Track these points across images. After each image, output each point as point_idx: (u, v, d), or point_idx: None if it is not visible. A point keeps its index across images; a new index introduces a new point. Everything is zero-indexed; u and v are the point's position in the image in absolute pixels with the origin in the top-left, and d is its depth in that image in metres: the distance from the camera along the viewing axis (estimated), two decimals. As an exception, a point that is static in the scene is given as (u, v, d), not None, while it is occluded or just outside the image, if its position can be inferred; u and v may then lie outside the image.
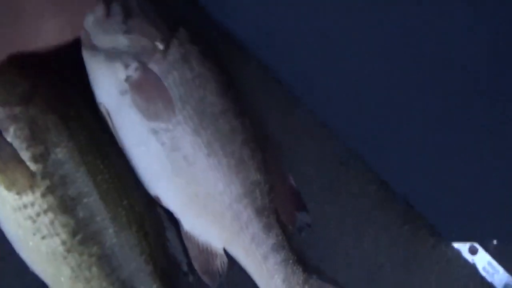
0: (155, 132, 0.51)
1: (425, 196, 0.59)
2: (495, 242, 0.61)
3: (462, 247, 0.63)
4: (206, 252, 0.54)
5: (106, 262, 0.51)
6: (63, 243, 0.49)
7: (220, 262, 0.55)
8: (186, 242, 0.54)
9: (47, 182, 0.49)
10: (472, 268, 0.63)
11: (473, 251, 0.63)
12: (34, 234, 0.49)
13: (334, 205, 0.62)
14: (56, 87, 0.52)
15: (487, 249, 0.63)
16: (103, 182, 0.51)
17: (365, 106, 0.53)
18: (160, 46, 0.51)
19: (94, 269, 0.51)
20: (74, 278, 0.51)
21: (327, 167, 0.62)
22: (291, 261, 0.55)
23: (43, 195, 0.49)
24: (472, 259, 0.63)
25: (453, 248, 0.63)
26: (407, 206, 0.62)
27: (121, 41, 0.51)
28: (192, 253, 0.54)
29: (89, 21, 0.51)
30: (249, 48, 0.61)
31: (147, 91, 0.50)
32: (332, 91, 0.56)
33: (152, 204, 0.54)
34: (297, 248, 0.57)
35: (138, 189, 0.54)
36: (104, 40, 0.51)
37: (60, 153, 0.49)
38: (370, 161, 0.61)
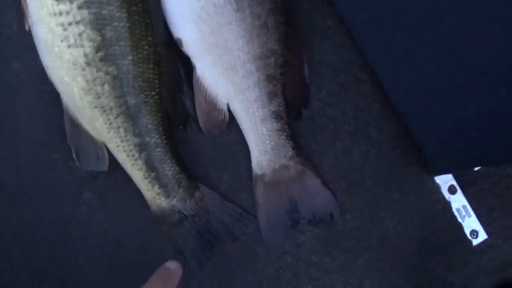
0: None
1: (418, 120, 0.61)
2: (476, 169, 0.63)
3: (443, 184, 0.66)
4: (211, 102, 0.58)
5: (118, 84, 0.55)
6: (85, 55, 0.53)
7: (221, 115, 0.59)
8: (195, 88, 0.58)
9: (85, -3, 0.52)
10: (447, 205, 0.66)
11: (452, 191, 0.66)
12: (61, 41, 0.53)
13: (336, 110, 0.65)
14: None
15: (465, 193, 0.65)
16: (135, 13, 0.54)
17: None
18: None
19: (106, 87, 0.55)
20: (86, 91, 0.55)
21: (340, 74, 0.64)
22: (285, 133, 0.59)
23: (79, 7, 0.52)
24: (449, 197, 0.66)
25: (434, 181, 0.66)
26: (404, 132, 0.65)
27: None
28: (198, 100, 0.58)
29: None
30: None
31: None
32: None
33: (172, 47, 0.58)
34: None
35: (163, 31, 0.57)
36: None
37: None
38: (380, 77, 0.63)
